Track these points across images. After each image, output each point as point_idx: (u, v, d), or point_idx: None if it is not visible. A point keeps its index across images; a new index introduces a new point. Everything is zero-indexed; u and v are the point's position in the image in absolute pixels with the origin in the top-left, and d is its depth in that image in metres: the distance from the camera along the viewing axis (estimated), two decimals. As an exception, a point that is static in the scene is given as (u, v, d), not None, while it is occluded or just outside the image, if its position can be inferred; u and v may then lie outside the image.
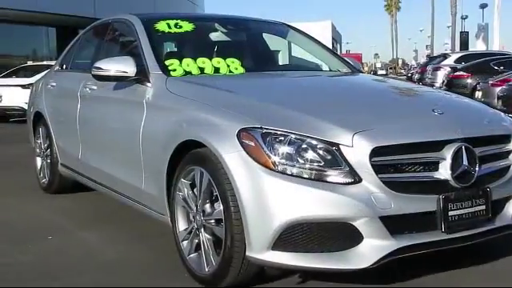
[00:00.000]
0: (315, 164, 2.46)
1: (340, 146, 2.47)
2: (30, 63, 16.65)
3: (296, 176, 2.45)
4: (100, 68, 3.47)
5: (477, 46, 42.83)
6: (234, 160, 2.53)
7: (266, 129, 2.52)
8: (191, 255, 2.87)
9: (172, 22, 3.86)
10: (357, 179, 2.45)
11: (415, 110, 2.89)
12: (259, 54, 4.17)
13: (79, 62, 4.81)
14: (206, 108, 2.84)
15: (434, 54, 33.74)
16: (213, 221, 2.72)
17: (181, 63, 3.48)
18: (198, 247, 2.84)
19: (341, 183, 2.44)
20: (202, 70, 3.49)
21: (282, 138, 2.50)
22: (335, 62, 4.18)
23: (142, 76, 3.41)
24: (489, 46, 43.08)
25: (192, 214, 2.86)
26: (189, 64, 3.49)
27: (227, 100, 2.89)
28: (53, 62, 13.75)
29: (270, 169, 2.47)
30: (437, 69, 19.09)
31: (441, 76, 18.22)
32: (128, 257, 3.32)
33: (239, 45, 4.14)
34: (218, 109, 2.77)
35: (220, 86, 3.20)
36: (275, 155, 2.48)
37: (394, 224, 2.46)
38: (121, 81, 3.48)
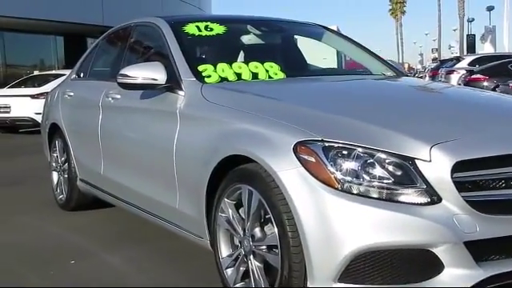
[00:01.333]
0: (387, 181, 2.13)
1: (415, 161, 2.13)
2: (36, 73, 16.41)
3: (365, 196, 2.12)
4: (126, 75, 3.15)
5: (484, 48, 42.46)
6: (292, 178, 2.20)
7: (328, 142, 2.20)
8: (237, 285, 2.54)
9: (202, 25, 3.54)
10: (436, 199, 2.11)
11: (497, 118, 2.55)
12: (297, 57, 3.85)
13: (98, 69, 4.50)
14: (253, 118, 2.51)
15: (443, 58, 33.38)
16: (264, 247, 2.39)
17: (215, 69, 3.16)
18: (245, 276, 2.51)
19: (417, 203, 2.11)
20: (238, 75, 3.17)
21: (347, 152, 2.17)
22: (377, 64, 3.85)
23: (173, 83, 3.10)
24: (497, 48, 42.76)
25: (238, 238, 2.54)
26: (224, 69, 3.17)
27: (276, 109, 2.57)
28: (63, 71, 13.59)
29: (335, 188, 2.14)
30: (450, 72, 18.72)
31: (455, 79, 17.83)
32: (162, 283, 2.99)
33: (275, 48, 3.82)
34: (267, 119, 2.44)
35: (264, 93, 2.87)
36: (340, 172, 2.15)
37: (480, 250, 2.12)
38: (149, 89, 3.16)
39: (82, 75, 4.68)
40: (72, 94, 4.51)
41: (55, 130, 4.76)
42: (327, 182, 2.15)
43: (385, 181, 2.13)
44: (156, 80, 3.09)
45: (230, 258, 2.59)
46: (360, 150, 2.16)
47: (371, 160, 2.15)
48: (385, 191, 2.12)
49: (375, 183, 2.13)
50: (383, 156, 2.15)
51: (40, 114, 11.56)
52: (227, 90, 2.96)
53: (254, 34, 3.72)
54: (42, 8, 16.51)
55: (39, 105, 11.65)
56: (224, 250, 2.63)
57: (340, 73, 3.85)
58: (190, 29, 3.50)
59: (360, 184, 2.14)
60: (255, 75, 3.19)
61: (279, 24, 3.98)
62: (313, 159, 2.18)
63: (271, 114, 2.47)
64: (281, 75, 3.24)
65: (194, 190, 2.79)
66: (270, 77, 3.20)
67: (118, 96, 3.65)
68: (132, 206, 3.52)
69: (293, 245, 2.20)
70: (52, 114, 4.83)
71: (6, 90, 12.81)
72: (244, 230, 2.49)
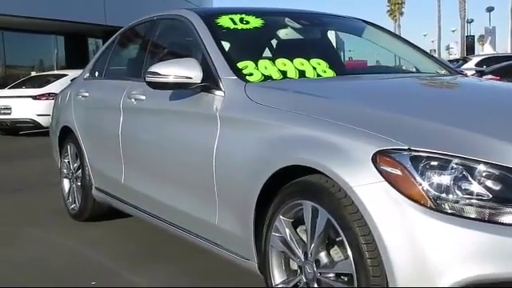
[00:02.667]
0: (488, 198, 1.77)
1: None
2: (33, 74, 15.99)
3: (462, 216, 1.76)
4: (157, 73, 2.77)
5: (484, 49, 42.21)
6: (372, 194, 1.84)
7: (417, 151, 1.83)
8: (296, 317, 2.17)
9: (236, 17, 3.17)
10: None
11: None
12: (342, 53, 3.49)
13: (117, 68, 4.12)
14: (316, 122, 2.14)
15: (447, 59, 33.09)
16: (332, 275, 2.02)
17: (257, 65, 2.80)
18: (305, 307, 2.15)
19: (528, 226, 1.74)
20: (283, 73, 2.80)
21: (440, 164, 1.81)
22: (427, 62, 3.48)
23: (209, 82, 2.73)
24: (496, 49, 42.52)
25: (297, 262, 2.17)
26: (267, 66, 2.81)
27: (343, 111, 2.19)
28: (65, 71, 13.19)
29: (426, 206, 1.77)
30: (458, 72, 18.42)
31: (463, 80, 17.53)
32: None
33: (318, 43, 3.44)
34: (334, 124, 2.07)
35: (322, 92, 2.51)
36: (432, 187, 1.79)
37: None
38: (182, 88, 2.79)
39: (96, 74, 4.31)
40: (87, 94, 4.13)
41: (67, 134, 4.39)
42: (417, 199, 1.79)
43: (485, 197, 1.77)
44: (190, 78, 2.73)
45: (287, 286, 2.22)
46: (456, 160, 1.80)
47: (469, 173, 1.79)
48: (487, 210, 1.76)
49: (474, 200, 1.77)
50: (483, 168, 1.79)
51: (42, 115, 11.35)
52: (277, 90, 2.59)
53: (293, 27, 3.35)
54: (42, 7, 16.04)
55: (41, 106, 11.34)
56: (278, 276, 2.26)
57: (390, 71, 3.47)
58: (224, 21, 3.13)
59: (456, 201, 1.77)
60: (302, 73, 2.82)
61: (319, 17, 3.61)
62: (398, 172, 1.82)
63: (338, 117, 2.10)
64: (330, 73, 2.87)
65: (238, 204, 2.43)
66: (318, 75, 2.84)
67: (143, 97, 3.28)
68: (158, 220, 3.15)
69: (373, 274, 1.83)
70: (63, 117, 4.45)
71: (6, 91, 12.40)
72: (305, 254, 2.12)
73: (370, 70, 3.56)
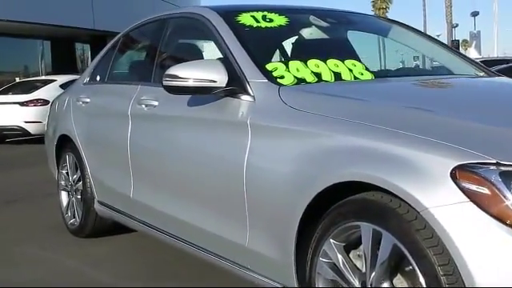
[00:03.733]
0: None
1: None
2: (17, 80, 15.51)
3: None
4: (176, 76, 2.47)
5: (470, 53, 42.40)
6: (454, 216, 1.56)
7: (507, 165, 1.56)
8: None
9: (258, 15, 2.89)
10: None
11: None
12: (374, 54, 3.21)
13: (120, 71, 3.81)
14: (374, 132, 1.85)
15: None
16: (398, 309, 1.74)
17: (287, 67, 2.51)
18: None
19: None
20: (317, 75, 2.51)
21: None
22: (459, 63, 3.22)
23: (236, 86, 2.44)
24: (481, 52, 42.69)
25: (352, 292, 1.88)
26: (299, 68, 2.52)
27: (402, 119, 1.91)
28: (53, 77, 12.77)
29: None
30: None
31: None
32: None
33: (348, 43, 3.15)
34: (398, 134, 1.79)
35: (369, 97, 2.23)
36: (527, 209, 1.51)
37: None
38: (204, 93, 2.49)
39: (98, 78, 3.98)
40: (88, 100, 3.81)
41: (65, 143, 4.06)
42: (510, 223, 1.51)
43: None
44: (214, 82, 2.43)
45: (338, 319, 1.93)
46: None
47: None
48: None
49: None
50: None
51: (30, 122, 10.94)
52: (318, 94, 2.30)
53: (320, 26, 3.07)
54: (28, 10, 15.45)
55: (29, 113, 10.93)
56: (326, 307, 1.97)
57: (429, 73, 3.20)
58: (246, 19, 2.84)
59: None
60: (337, 75, 2.53)
61: (346, 16, 3.33)
62: (485, 190, 1.54)
63: (401, 126, 1.82)
64: (368, 75, 2.59)
65: (275, 225, 2.13)
66: (355, 77, 2.56)
67: (155, 102, 2.97)
68: (175, 239, 2.84)
69: (455, 311, 1.55)
70: (61, 125, 4.12)
71: (-9, 97, 11.95)
72: (363, 283, 1.83)
73: (409, 72, 3.28)
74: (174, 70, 2.49)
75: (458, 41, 44.41)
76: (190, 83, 2.45)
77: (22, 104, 10.91)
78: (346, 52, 2.87)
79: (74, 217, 4.00)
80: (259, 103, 2.34)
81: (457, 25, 56.77)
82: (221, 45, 2.68)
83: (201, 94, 2.51)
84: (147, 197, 3.03)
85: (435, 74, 3.08)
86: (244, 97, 2.41)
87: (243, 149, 2.27)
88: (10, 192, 5.91)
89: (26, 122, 10.81)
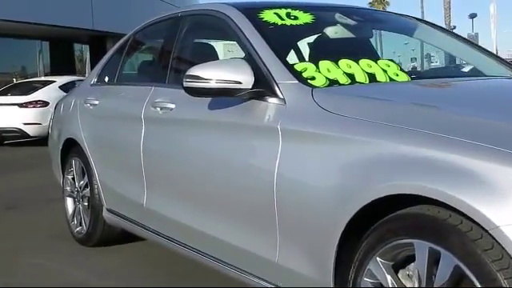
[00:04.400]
0: None
1: None
2: (15, 81, 15.24)
3: None
4: (197, 77, 2.29)
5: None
6: None
7: None
8: None
9: (282, 12, 2.71)
10: None
11: None
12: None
13: (131, 72, 3.62)
14: (428, 139, 1.66)
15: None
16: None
17: (318, 68, 2.33)
18: None
19: None
20: (350, 76, 2.33)
21: None
22: (491, 63, 3.04)
23: (263, 88, 2.26)
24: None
25: (402, 317, 1.69)
26: (330, 69, 2.33)
27: (456, 124, 1.72)
28: (52, 78, 12.55)
29: None
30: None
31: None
32: None
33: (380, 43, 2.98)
34: (455, 141, 1.60)
35: (413, 100, 2.04)
36: None
37: None
38: (228, 95, 2.31)
39: (107, 79, 3.79)
40: (96, 102, 3.62)
41: (71, 147, 3.87)
42: None
43: None
44: (240, 83, 2.25)
45: None
46: None
47: None
48: None
49: None
50: None
51: (29, 124, 10.71)
52: (357, 97, 2.12)
53: (346, 24, 2.89)
54: (26, 10, 15.18)
55: (28, 114, 10.72)
56: (372, 332, 1.79)
57: (461, 74, 3.02)
58: (269, 16, 2.66)
59: None
60: (372, 76, 2.35)
61: (372, 14, 3.15)
62: None
63: (457, 132, 1.64)
64: (404, 77, 2.41)
65: (311, 240, 1.95)
66: (390, 79, 2.37)
67: (171, 105, 2.78)
68: (193, 251, 2.65)
69: None
70: (67, 128, 3.93)
71: (-10, 99, 11.74)
72: (415, 307, 1.65)
73: (444, 74, 3.10)
74: (196, 71, 2.31)
75: (456, 43, 44.36)
76: (213, 84, 2.27)
77: (21, 105, 10.70)
78: (376, 52, 2.68)
79: (81, 225, 3.81)
80: (290, 106, 2.15)
81: (454, 27, 56.77)
82: (243, 43, 2.50)
83: (224, 97, 2.32)
84: (162, 206, 2.84)
85: (468, 76, 2.90)
86: (272, 99, 2.23)
87: (273, 156, 2.09)
88: (10, 197, 5.70)
89: (25, 124, 10.60)
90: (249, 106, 2.30)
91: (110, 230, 3.63)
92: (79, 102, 3.84)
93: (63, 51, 19.07)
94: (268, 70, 2.30)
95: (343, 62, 2.38)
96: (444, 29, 3.28)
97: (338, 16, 2.89)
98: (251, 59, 2.38)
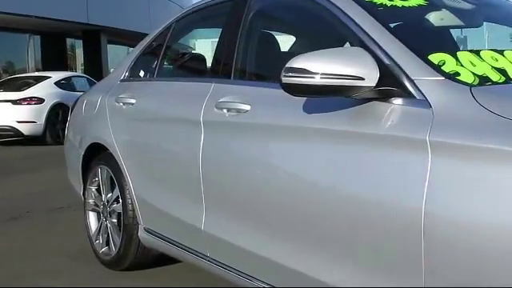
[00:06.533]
0: None
1: None
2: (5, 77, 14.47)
3: None
4: (304, 71, 1.74)
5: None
6: None
7: None
8: None
9: (388, -8, 2.16)
10: None
11: None
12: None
13: (177, 66, 3.04)
14: None
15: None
16: None
17: (458, 60, 1.78)
18: None
19: None
20: (501, 72, 1.78)
21: None
22: None
23: (392, 86, 1.72)
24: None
25: None
26: (473, 61, 1.79)
27: None
28: (46, 73, 11.84)
29: None
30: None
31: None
32: None
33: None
34: None
35: None
36: None
37: None
38: (342, 95, 1.75)
39: (142, 74, 3.21)
40: (132, 101, 3.02)
41: (96, 153, 3.29)
42: None
43: None
44: (362, 80, 1.70)
45: None
46: None
47: None
48: None
49: None
50: None
51: (23, 122, 10.03)
52: None
53: (462, 8, 2.35)
54: (17, 1, 14.30)
55: (22, 112, 10.04)
56: None
57: None
58: (373, -3, 2.10)
59: None
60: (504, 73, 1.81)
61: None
62: None
63: None
64: None
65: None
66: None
67: (245, 107, 2.21)
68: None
69: None
70: (92, 131, 3.34)
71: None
72: None
73: None
74: (301, 62, 1.75)
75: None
76: (325, 81, 1.71)
77: (15, 102, 10.05)
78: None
79: (108, 245, 3.23)
80: (440, 111, 1.60)
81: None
82: (351, 30, 1.94)
83: (335, 96, 1.77)
84: (229, 233, 2.27)
85: None
86: (402, 101, 1.70)
87: (419, 180, 1.54)
88: (10, 206, 5.04)
89: (19, 122, 9.95)
90: (368, 109, 1.75)
91: (144, 253, 3.06)
92: (108, 101, 3.25)
93: (55, 46, 18.24)
94: (395, 62, 1.75)
95: (486, 54, 1.83)
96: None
97: None
98: (364, 48, 1.82)
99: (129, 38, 19.04)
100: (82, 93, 11.37)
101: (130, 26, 18.62)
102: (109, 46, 20.45)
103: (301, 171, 1.94)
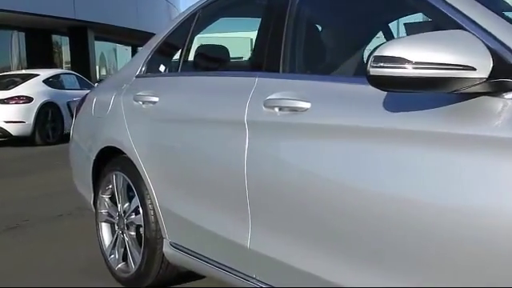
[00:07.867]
0: None
1: None
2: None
3: None
4: (398, 60, 1.41)
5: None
6: None
7: None
8: None
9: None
10: None
11: None
12: None
13: (207, 57, 2.69)
14: None
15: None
16: None
17: None
18: None
19: None
20: None
21: None
22: None
23: (510, 77, 1.40)
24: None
25: None
26: None
27: None
28: (33, 71, 11.35)
29: None
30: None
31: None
32: None
33: None
34: None
35: None
36: None
37: None
38: (443, 88, 1.43)
39: (163, 68, 2.86)
40: (155, 99, 2.66)
41: (111, 158, 2.94)
42: None
43: None
44: (473, 70, 1.38)
45: None
46: None
47: None
48: None
49: None
50: None
51: (10, 122, 9.57)
52: None
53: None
54: None
55: (9, 111, 9.58)
56: None
57: None
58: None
59: None
60: None
61: None
62: None
63: None
64: None
65: None
66: None
67: (302, 104, 1.87)
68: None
69: None
70: (106, 133, 2.98)
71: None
72: None
73: None
74: (395, 50, 1.43)
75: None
76: (425, 71, 1.39)
77: (2, 102, 9.60)
78: None
79: (125, 260, 2.88)
80: None
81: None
82: (444, 14, 1.62)
83: (437, 91, 1.45)
84: (282, 252, 1.94)
85: None
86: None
87: None
88: (5, 214, 4.66)
89: (6, 122, 9.52)
90: (476, 105, 1.44)
91: (168, 270, 2.72)
92: (123, 100, 2.89)
93: (41, 43, 17.67)
94: (509, 48, 1.44)
95: None
96: None
97: None
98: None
99: (117, 34, 18.61)
100: (71, 91, 11.03)
101: (119, 21, 18.15)
102: (96, 43, 19.94)
103: (388, 184, 1.60)
